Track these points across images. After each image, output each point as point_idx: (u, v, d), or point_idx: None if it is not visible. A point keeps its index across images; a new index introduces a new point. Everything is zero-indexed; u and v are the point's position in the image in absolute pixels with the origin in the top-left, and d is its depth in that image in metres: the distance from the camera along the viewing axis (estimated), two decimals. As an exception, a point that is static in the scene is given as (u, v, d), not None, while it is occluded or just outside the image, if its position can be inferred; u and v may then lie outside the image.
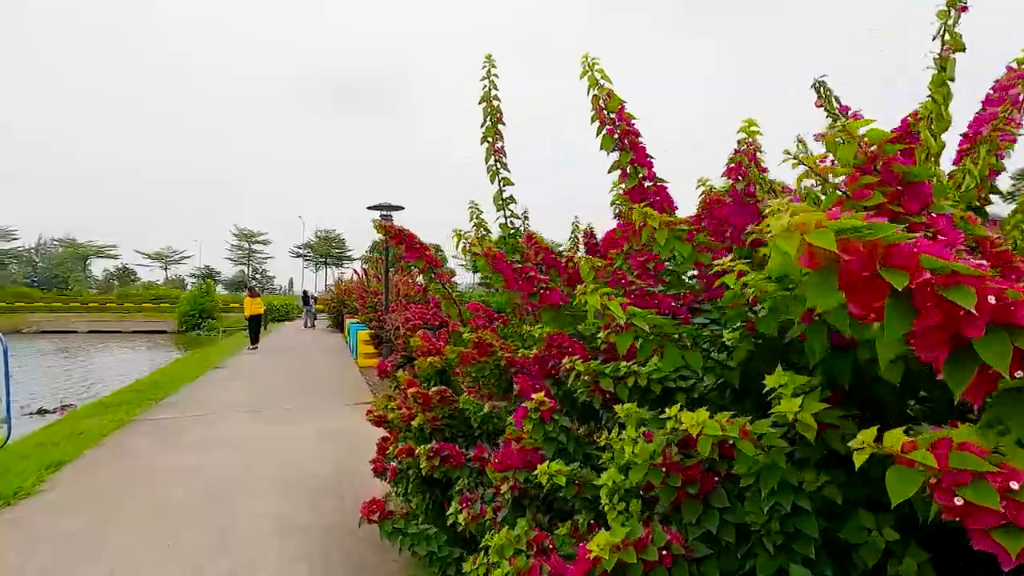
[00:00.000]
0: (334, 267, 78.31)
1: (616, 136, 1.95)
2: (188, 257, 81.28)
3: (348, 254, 78.72)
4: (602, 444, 1.52)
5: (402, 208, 11.73)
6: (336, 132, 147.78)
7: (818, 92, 2.30)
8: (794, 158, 1.20)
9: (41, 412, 14.28)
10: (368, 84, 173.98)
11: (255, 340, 16.16)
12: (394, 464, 2.97)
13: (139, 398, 9.04)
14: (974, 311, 0.69)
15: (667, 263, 2.06)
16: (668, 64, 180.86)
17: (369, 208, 11.70)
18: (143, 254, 77.57)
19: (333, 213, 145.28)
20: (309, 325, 26.37)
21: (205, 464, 5.27)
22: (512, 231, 2.92)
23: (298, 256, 79.29)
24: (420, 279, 19.04)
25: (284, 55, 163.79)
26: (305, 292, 30.79)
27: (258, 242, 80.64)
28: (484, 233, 3.20)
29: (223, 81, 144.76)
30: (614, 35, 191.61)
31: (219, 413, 7.62)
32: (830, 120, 2.25)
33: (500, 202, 2.90)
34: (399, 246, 3.00)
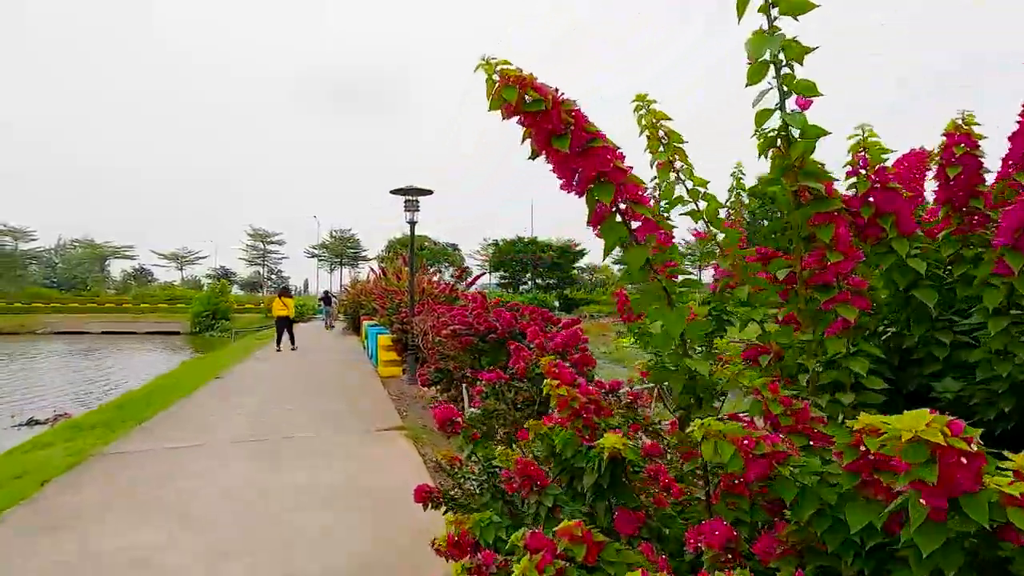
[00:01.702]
0: (349, 267, 77.17)
1: None
2: (203, 258, 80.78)
3: (363, 254, 77.54)
4: None
5: (431, 192, 10.04)
6: (343, 131, 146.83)
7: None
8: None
9: (31, 423, 12.82)
10: (375, 84, 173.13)
11: (282, 342, 15.37)
12: None
13: (121, 416, 7.46)
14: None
15: None
16: (672, 60, 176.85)
17: (393, 192, 10.02)
18: (159, 254, 77.16)
19: (345, 212, 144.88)
20: (329, 326, 25.96)
21: (161, 548, 3.54)
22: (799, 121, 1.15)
23: (313, 256, 78.31)
24: (454, 277, 17.36)
25: (287, 55, 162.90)
26: (326, 292, 30.39)
27: (273, 242, 79.80)
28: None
29: (225, 81, 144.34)
30: (616, 35, 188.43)
31: (207, 444, 5.96)
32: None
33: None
34: (554, 142, 1.16)
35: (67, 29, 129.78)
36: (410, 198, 10.00)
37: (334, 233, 78.30)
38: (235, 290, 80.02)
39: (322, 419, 7.15)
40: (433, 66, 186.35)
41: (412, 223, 10.07)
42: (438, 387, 7.07)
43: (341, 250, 77.42)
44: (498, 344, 6.27)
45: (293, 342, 15.59)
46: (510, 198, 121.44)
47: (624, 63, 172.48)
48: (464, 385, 5.80)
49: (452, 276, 18.70)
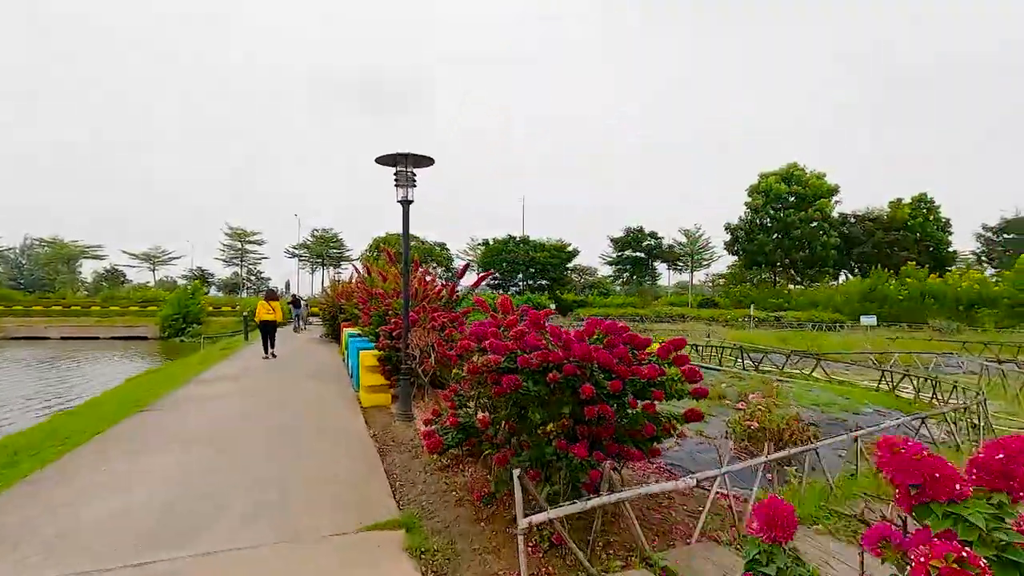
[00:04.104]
0: (332, 267, 73.83)
1: None
2: (178, 258, 76.71)
3: (347, 254, 74.27)
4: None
5: (430, 161, 7.44)
6: (328, 132, 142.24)
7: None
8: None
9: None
10: (361, 84, 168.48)
11: (269, 348, 14.38)
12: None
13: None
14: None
15: None
16: (686, 62, 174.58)
17: (381, 161, 7.40)
18: (130, 254, 73.03)
19: (328, 214, 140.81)
20: (300, 327, 26.13)
21: None
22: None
23: (293, 256, 74.84)
24: (439, 278, 14.78)
25: (273, 54, 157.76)
26: (295, 296, 30.71)
27: (251, 242, 76.13)
28: None
29: (211, 80, 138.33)
30: (617, 36, 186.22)
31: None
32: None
33: None
34: None
35: (50, 26, 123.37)
36: (402, 169, 7.39)
37: (315, 232, 74.93)
38: (213, 292, 76.26)
39: (269, 500, 4.51)
40: (422, 68, 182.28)
41: (406, 202, 7.44)
42: (457, 448, 4.45)
43: (323, 250, 74.07)
44: (563, 387, 3.70)
45: (273, 348, 14.38)
46: (498, 197, 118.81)
47: (638, 56, 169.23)
48: (519, 473, 3.19)
49: (446, 277, 16.33)
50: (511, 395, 3.84)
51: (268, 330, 14.39)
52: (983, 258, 56.88)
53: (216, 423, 7.14)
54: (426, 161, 7.41)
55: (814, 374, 11.16)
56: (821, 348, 15.63)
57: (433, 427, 4.76)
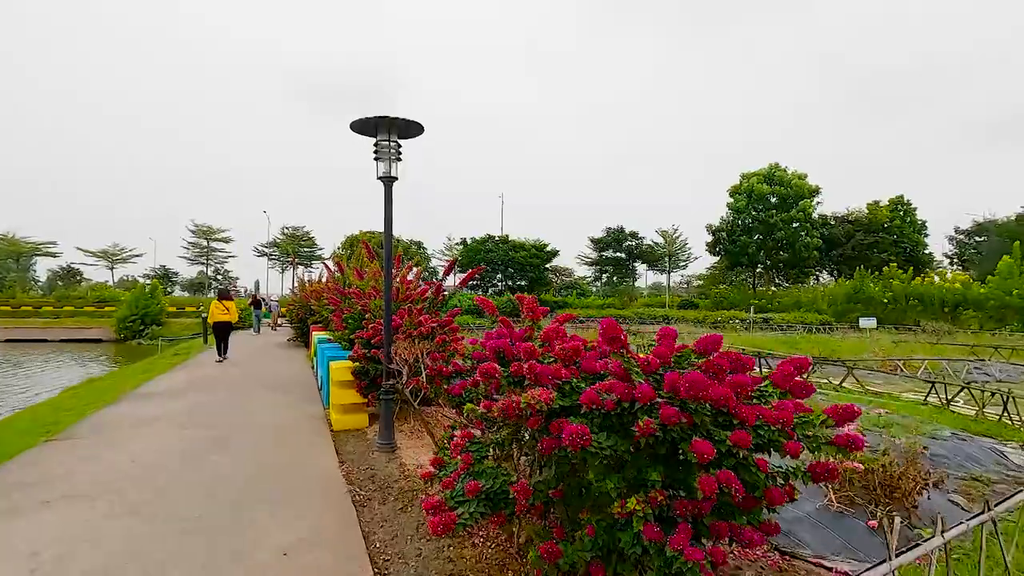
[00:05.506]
0: (304, 267, 71.16)
1: None
2: (139, 256, 72.91)
3: (318, 253, 71.68)
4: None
5: (419, 129, 5.99)
6: (303, 132, 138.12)
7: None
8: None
9: None
10: (337, 87, 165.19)
11: (222, 351, 13.67)
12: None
13: None
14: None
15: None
16: (667, 63, 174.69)
17: (356, 128, 5.93)
18: (86, 252, 69.03)
19: (302, 216, 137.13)
20: (274, 328, 26.21)
21: None
22: None
23: (263, 255, 71.91)
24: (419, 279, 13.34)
25: (257, 54, 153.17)
26: (254, 296, 29.30)
27: (218, 239, 72.89)
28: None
29: (187, 80, 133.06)
30: (607, 35, 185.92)
31: None
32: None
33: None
34: None
35: (21, 25, 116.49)
36: (385, 139, 5.92)
37: (286, 230, 72.13)
38: (177, 292, 72.71)
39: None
40: (414, 70, 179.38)
41: (388, 179, 5.97)
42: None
43: (294, 248, 71.39)
44: (656, 442, 2.32)
45: (226, 351, 13.69)
46: (475, 196, 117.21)
47: (620, 56, 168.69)
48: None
49: (425, 277, 14.99)
50: (563, 450, 2.45)
51: (222, 332, 13.64)
52: (955, 260, 57.69)
53: (139, 464, 5.53)
54: (414, 128, 5.96)
55: (844, 384, 10.04)
56: (835, 353, 14.63)
57: (435, 481, 3.33)
